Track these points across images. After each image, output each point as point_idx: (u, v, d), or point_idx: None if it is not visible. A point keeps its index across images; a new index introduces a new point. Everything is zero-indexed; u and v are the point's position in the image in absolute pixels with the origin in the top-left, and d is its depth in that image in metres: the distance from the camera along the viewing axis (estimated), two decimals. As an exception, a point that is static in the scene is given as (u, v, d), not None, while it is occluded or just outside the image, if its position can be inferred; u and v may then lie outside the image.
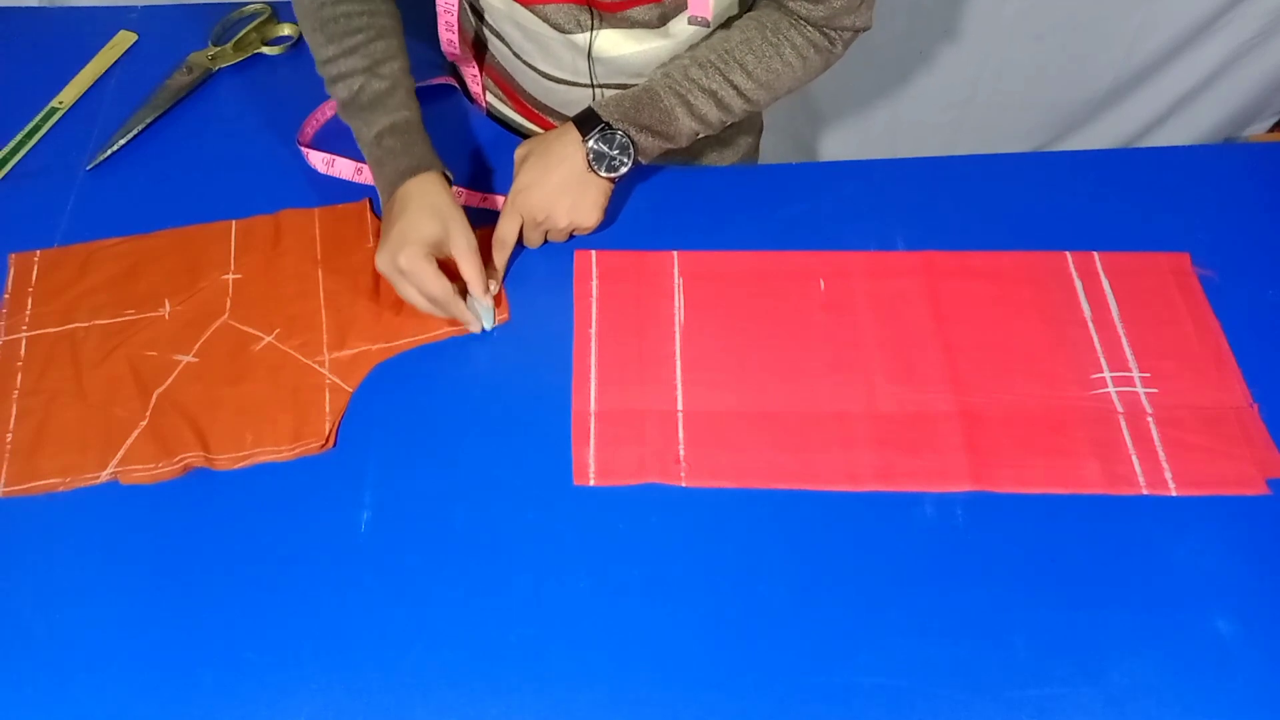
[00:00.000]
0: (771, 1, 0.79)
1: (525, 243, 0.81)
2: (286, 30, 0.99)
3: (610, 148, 0.76)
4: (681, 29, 0.78)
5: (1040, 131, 1.50)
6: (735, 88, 0.78)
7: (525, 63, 0.85)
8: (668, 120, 0.78)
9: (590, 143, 0.76)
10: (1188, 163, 0.89)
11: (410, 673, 0.62)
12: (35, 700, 0.61)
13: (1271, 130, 1.50)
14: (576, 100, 0.86)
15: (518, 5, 0.77)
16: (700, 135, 0.81)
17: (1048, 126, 1.49)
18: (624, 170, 0.77)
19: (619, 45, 0.79)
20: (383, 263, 0.74)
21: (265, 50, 0.97)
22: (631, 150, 0.77)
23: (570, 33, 0.78)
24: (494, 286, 0.77)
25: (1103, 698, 0.61)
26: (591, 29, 0.77)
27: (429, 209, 0.73)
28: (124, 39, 0.98)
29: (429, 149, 0.77)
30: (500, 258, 0.79)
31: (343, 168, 0.86)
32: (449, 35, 0.85)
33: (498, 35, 0.85)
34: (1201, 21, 1.31)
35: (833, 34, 0.79)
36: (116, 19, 0.99)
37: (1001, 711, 0.61)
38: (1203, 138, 1.49)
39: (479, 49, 0.92)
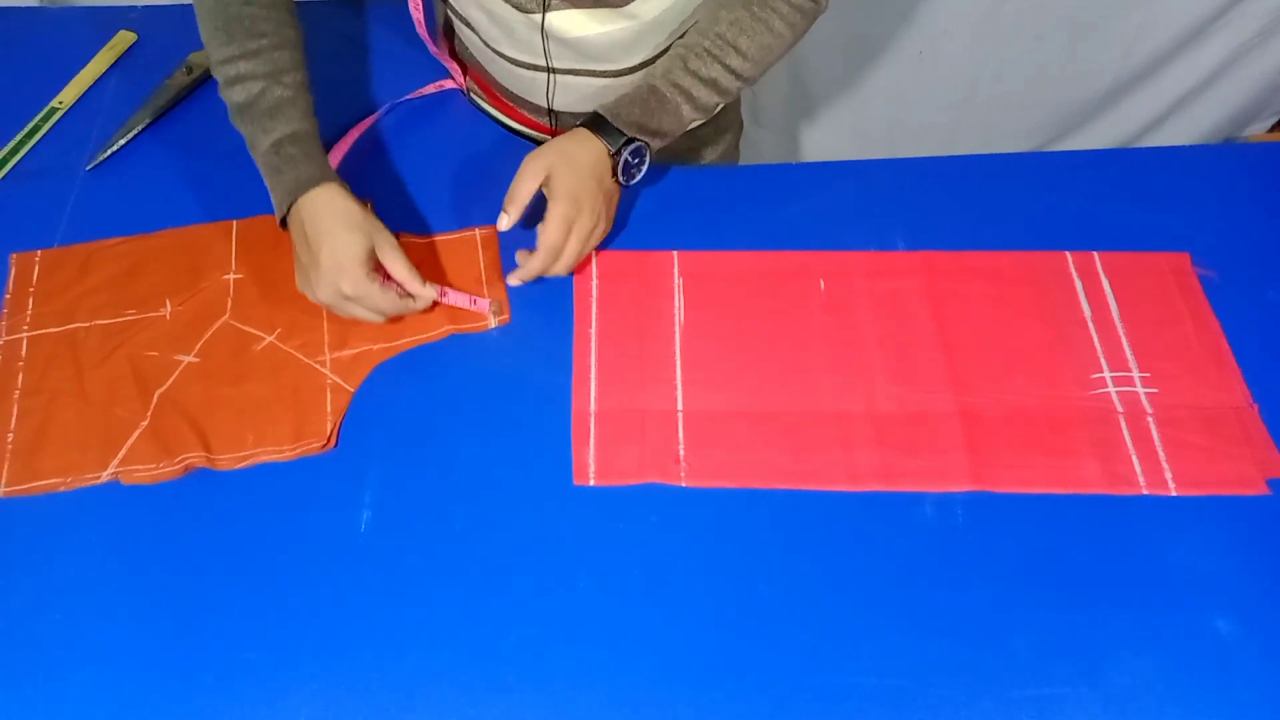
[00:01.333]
0: None
1: (562, 258, 0.76)
2: (287, 30, 0.99)
3: (634, 159, 0.78)
4: (645, 10, 0.78)
5: (1040, 131, 1.50)
6: (733, 72, 0.79)
7: (494, 50, 0.85)
8: (677, 121, 0.79)
9: (620, 162, 0.77)
10: (1188, 163, 0.89)
11: (410, 673, 0.62)
12: (35, 700, 0.61)
13: (1271, 130, 1.51)
14: (540, 86, 0.87)
15: None
16: (696, 122, 0.82)
17: (1048, 126, 1.49)
18: (639, 178, 0.80)
19: (582, 26, 0.79)
20: (325, 293, 0.71)
21: (265, 50, 0.96)
22: (648, 157, 0.79)
23: (530, 12, 0.78)
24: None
25: (1103, 698, 0.61)
26: (544, 8, 0.77)
27: (346, 224, 0.71)
28: (124, 39, 0.98)
29: (328, 163, 0.75)
30: (547, 264, 0.76)
31: None
32: (417, 15, 0.85)
33: (466, 24, 0.85)
34: (1201, 21, 1.31)
35: None
36: (116, 19, 0.99)
37: (1001, 711, 0.61)
38: (1203, 138, 1.49)
39: (455, 44, 0.92)
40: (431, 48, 0.89)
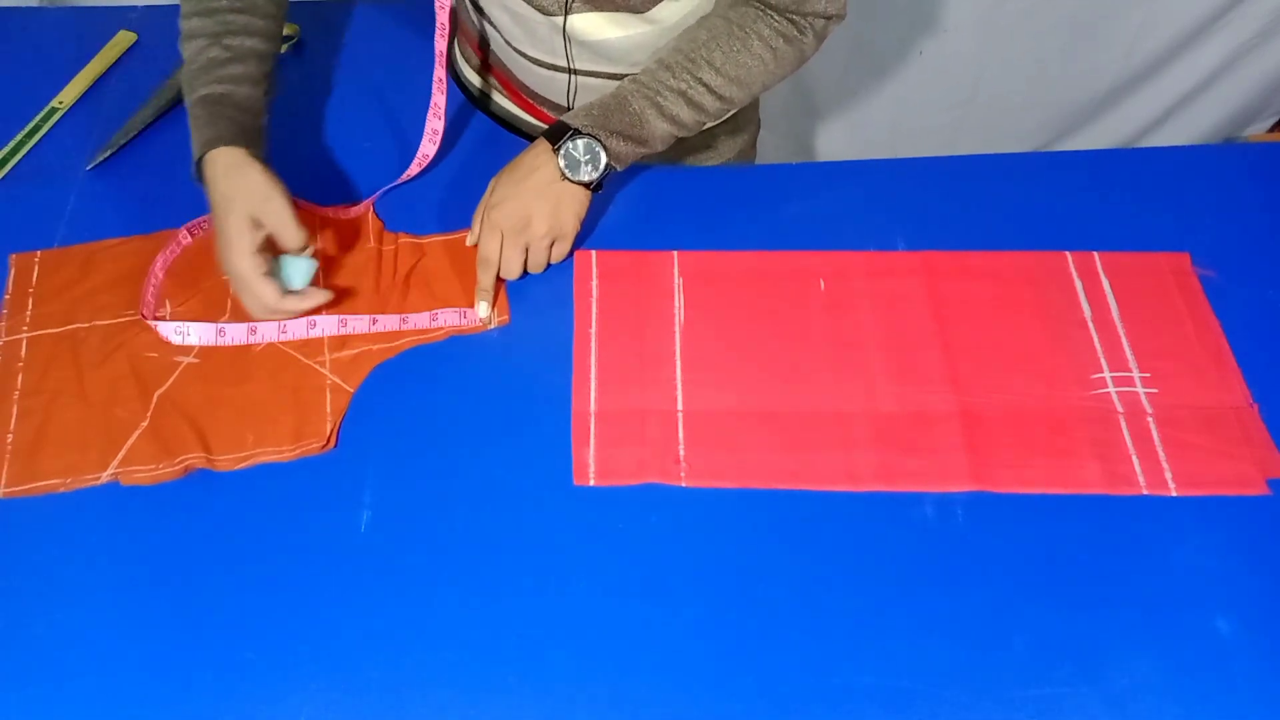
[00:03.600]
0: None
1: (504, 271, 0.77)
2: (286, 30, 0.99)
3: (581, 155, 0.76)
4: (666, 14, 0.78)
5: (1040, 131, 1.50)
6: (705, 85, 0.78)
7: (515, 49, 0.85)
8: (638, 124, 0.77)
9: (560, 151, 0.76)
10: (1188, 163, 0.89)
11: (410, 673, 0.62)
12: (35, 700, 0.61)
13: (1271, 130, 1.51)
14: (561, 86, 0.87)
15: None
16: (678, 136, 0.80)
17: (1048, 126, 1.49)
18: (596, 176, 0.76)
19: (602, 29, 0.79)
20: (222, 265, 0.72)
21: (265, 50, 0.96)
22: (603, 156, 0.76)
23: (553, 15, 0.78)
24: (485, 309, 0.76)
25: (1103, 698, 0.61)
26: (566, 10, 0.78)
27: (237, 192, 0.71)
28: (124, 39, 0.98)
29: (238, 127, 0.73)
30: (487, 277, 0.77)
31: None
32: (440, 45, 0.85)
33: (492, 24, 0.85)
34: (1201, 21, 1.31)
35: (802, 22, 0.78)
36: (116, 19, 0.99)
37: (1001, 711, 0.61)
38: (1203, 138, 1.49)
39: (483, 46, 0.92)
40: (437, 94, 0.87)
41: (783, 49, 0.78)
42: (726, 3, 0.79)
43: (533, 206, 0.76)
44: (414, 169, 0.85)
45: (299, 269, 0.74)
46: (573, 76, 0.85)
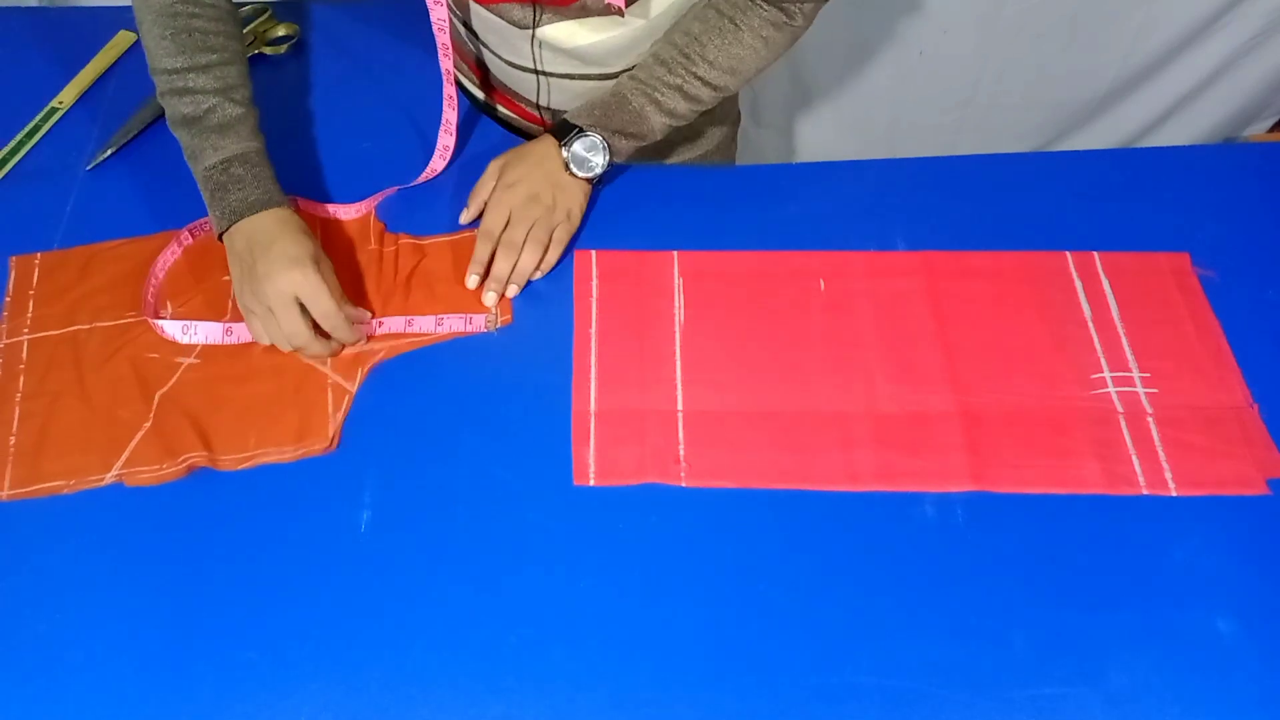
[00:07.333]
0: None
1: (504, 244, 0.78)
2: (286, 30, 0.99)
3: (585, 151, 0.80)
4: (639, 17, 0.79)
5: (1040, 131, 1.50)
6: (700, 79, 0.80)
7: (489, 49, 0.87)
8: (639, 120, 0.81)
9: (567, 146, 0.79)
10: (1188, 163, 0.89)
11: (410, 673, 0.62)
12: (36, 700, 0.61)
13: (1271, 130, 1.50)
14: (531, 85, 0.89)
15: (472, 3, 0.80)
16: (674, 125, 0.83)
17: (1048, 126, 1.49)
18: (599, 171, 0.80)
19: (576, 35, 0.80)
20: (272, 286, 0.70)
21: (265, 50, 0.97)
22: (606, 152, 0.80)
23: (524, 26, 0.80)
24: (492, 298, 0.78)
25: (1103, 698, 0.61)
26: (534, 24, 0.79)
27: (299, 239, 0.73)
28: (124, 39, 0.98)
29: (277, 184, 0.76)
30: (485, 249, 0.79)
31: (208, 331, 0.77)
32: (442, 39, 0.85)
33: (468, 27, 0.86)
34: (1201, 21, 1.31)
35: (792, 8, 0.79)
36: (116, 19, 0.99)
37: (1001, 711, 0.61)
38: (1203, 138, 1.49)
39: (480, 66, 0.93)
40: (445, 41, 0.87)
41: (774, 36, 0.80)
42: None
43: (544, 190, 0.79)
44: (420, 181, 0.86)
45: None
46: (542, 78, 0.87)
